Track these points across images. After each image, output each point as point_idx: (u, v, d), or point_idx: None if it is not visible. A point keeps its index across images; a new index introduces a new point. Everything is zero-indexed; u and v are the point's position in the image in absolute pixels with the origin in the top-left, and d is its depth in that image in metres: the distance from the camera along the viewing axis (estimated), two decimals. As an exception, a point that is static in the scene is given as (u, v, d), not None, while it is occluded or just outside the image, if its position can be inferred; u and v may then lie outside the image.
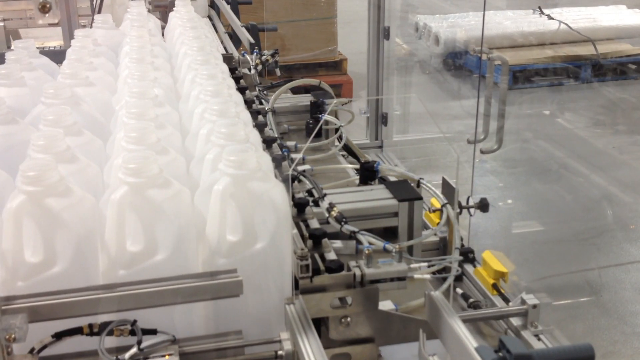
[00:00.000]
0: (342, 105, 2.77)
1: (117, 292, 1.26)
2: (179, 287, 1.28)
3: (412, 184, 2.08)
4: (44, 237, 1.29)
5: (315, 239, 1.56)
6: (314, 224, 1.66)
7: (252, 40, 3.26)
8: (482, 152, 2.78)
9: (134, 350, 1.24)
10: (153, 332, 1.28)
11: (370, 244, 1.67)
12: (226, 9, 4.00)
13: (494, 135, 2.87)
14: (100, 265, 1.37)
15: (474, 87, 7.05)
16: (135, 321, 1.26)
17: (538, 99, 6.91)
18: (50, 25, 4.71)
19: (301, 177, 1.99)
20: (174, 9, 2.92)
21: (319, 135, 2.72)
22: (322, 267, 1.46)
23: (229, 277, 1.31)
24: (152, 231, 1.32)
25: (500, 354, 1.18)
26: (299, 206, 1.72)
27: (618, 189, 5.13)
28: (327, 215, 1.80)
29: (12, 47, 2.28)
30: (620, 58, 7.38)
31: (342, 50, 6.86)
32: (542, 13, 7.84)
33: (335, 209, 1.80)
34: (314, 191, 1.91)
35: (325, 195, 1.86)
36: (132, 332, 1.26)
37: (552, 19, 7.71)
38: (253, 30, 3.82)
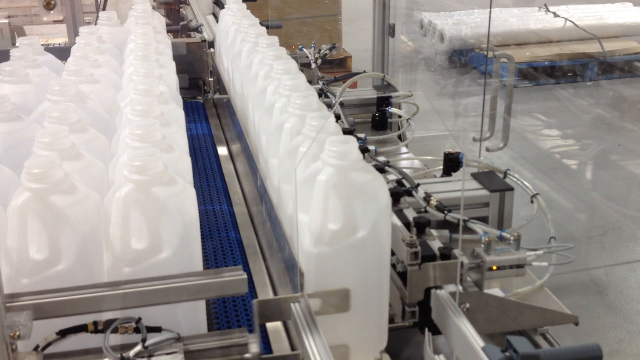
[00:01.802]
0: (406, 98, 2.80)
1: (122, 290, 1.26)
2: (184, 284, 1.28)
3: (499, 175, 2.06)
4: (49, 235, 1.28)
5: (420, 227, 1.55)
6: (410, 213, 1.65)
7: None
8: (487, 150, 2.77)
9: (138, 347, 1.24)
10: (157, 329, 1.28)
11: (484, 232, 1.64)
12: (231, 6, 3.98)
13: (500, 132, 2.85)
14: (105, 263, 1.37)
15: (479, 84, 7.03)
16: (139, 319, 1.26)
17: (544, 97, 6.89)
18: (55, 22, 4.71)
19: (388, 168, 1.96)
20: (181, 5, 2.92)
21: (384, 128, 2.74)
22: (437, 254, 1.46)
23: (234, 275, 1.30)
24: (156, 229, 1.31)
25: (507, 353, 1.17)
26: (394, 196, 1.69)
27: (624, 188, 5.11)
28: (424, 204, 1.78)
29: (17, 44, 2.28)
30: (626, 56, 7.34)
31: (347, 47, 6.85)
32: (548, 10, 7.82)
33: (433, 198, 1.78)
34: (404, 181, 1.88)
35: (418, 185, 1.85)
36: (137, 330, 1.26)
37: (558, 16, 7.69)
38: (258, 27, 3.81)
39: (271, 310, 1.34)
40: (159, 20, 2.88)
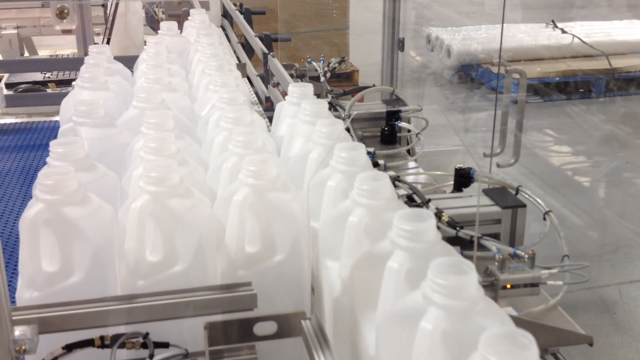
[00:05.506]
0: (415, 112, 2.78)
1: (129, 304, 1.24)
2: (192, 299, 1.26)
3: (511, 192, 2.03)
4: (62, 247, 1.26)
5: None
6: None
7: (266, 50, 3.25)
8: (498, 165, 2.74)
9: (145, 364, 1.22)
10: (165, 345, 1.25)
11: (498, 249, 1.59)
12: (240, 19, 4.00)
13: (510, 148, 2.83)
14: (118, 275, 1.35)
15: (488, 99, 7.01)
16: (147, 334, 1.23)
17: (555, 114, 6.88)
18: (64, 32, 4.72)
19: (399, 183, 1.91)
20: (188, 17, 2.93)
21: (393, 143, 2.72)
22: None
23: (244, 290, 1.28)
24: (172, 241, 1.29)
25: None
26: None
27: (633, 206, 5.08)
28: (435, 220, 1.74)
29: (25, 54, 2.29)
30: (635, 73, 7.32)
31: (353, 62, 6.86)
32: (556, 27, 7.81)
33: (444, 214, 1.73)
34: (414, 196, 1.85)
35: (429, 200, 1.81)
36: (144, 345, 1.23)
37: (566, 32, 7.68)
38: (266, 40, 3.81)
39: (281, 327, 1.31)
40: (217, 32, 2.92)
